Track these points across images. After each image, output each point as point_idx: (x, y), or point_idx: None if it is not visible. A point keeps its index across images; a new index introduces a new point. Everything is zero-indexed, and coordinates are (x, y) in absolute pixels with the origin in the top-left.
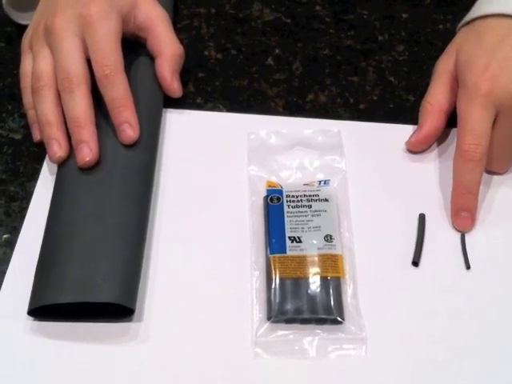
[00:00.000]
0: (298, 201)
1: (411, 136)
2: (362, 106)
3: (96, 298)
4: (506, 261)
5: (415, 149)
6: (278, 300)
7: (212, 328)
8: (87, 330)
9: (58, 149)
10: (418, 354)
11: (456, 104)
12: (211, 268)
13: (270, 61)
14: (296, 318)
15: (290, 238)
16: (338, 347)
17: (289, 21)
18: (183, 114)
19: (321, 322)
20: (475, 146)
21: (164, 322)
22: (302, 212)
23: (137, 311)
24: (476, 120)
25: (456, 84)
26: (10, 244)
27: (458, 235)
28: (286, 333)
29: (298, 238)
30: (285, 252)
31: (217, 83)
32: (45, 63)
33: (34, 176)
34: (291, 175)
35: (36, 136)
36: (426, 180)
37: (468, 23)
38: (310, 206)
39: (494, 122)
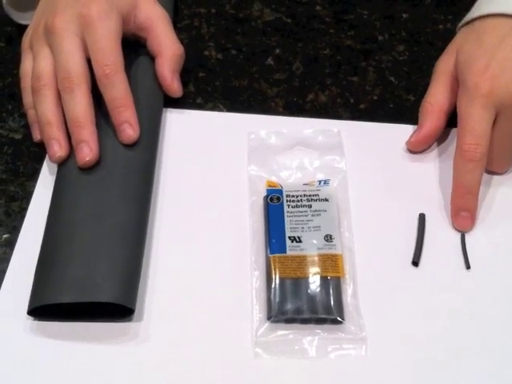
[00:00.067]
0: (298, 201)
1: (411, 136)
2: (362, 106)
3: (96, 298)
4: (506, 261)
5: (415, 149)
6: (277, 300)
7: (212, 328)
8: (87, 329)
9: (58, 149)
10: (418, 353)
11: (456, 104)
12: (211, 268)
13: (270, 61)
14: (296, 318)
15: (289, 237)
16: (338, 347)
17: (289, 21)
18: (183, 114)
19: (321, 321)
20: (475, 146)
21: (164, 322)
22: (301, 212)
23: (137, 311)
24: (476, 120)
25: (456, 84)
26: (10, 244)
27: (458, 235)
28: (285, 333)
29: (298, 237)
30: (285, 252)
31: (217, 83)
32: (45, 63)
33: (34, 176)
34: (291, 175)
35: (36, 136)
36: (426, 180)
37: (468, 23)
38: (310, 206)
39: (495, 122)
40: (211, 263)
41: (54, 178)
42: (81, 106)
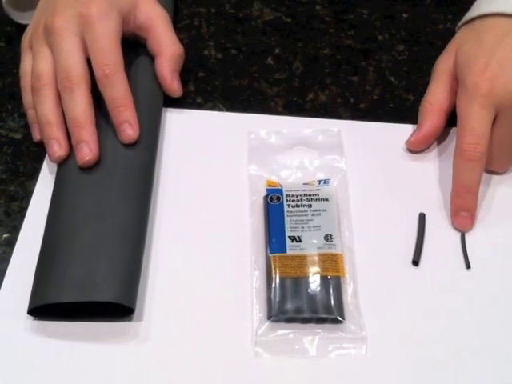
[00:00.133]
0: (298, 200)
1: (411, 135)
2: (362, 106)
3: (96, 298)
4: (506, 260)
5: (415, 148)
6: (278, 299)
7: (212, 327)
8: (87, 329)
9: (57, 148)
10: (418, 353)
11: (456, 103)
12: (211, 267)
13: (270, 60)
14: (296, 318)
15: (289, 237)
16: (339, 346)
17: (289, 20)
18: (183, 114)
19: (321, 321)
20: (475, 146)
21: (164, 322)
22: (301, 211)
23: (137, 310)
24: (476, 120)
25: (456, 83)
26: (10, 243)
27: (458, 235)
28: (286, 332)
29: (298, 237)
30: (285, 251)
31: (217, 83)
32: (45, 63)
33: (33, 175)
34: (291, 175)
35: (36, 136)
36: (426, 179)
37: (467, 23)
38: (310, 206)
39: (494, 122)
40: (211, 263)
41: (53, 177)
42: (80, 105)
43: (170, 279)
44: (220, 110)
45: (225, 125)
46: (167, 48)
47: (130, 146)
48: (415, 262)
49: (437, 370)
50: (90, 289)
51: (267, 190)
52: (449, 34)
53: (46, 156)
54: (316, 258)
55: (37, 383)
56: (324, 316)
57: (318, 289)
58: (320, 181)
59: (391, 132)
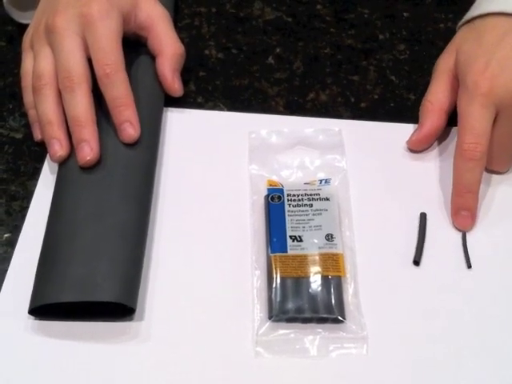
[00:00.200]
0: (299, 200)
1: (412, 135)
2: (362, 105)
3: (97, 297)
4: (507, 260)
5: (416, 148)
6: (278, 299)
7: (213, 327)
8: (88, 329)
9: (58, 148)
10: (418, 352)
11: (456, 103)
12: (212, 267)
13: (270, 60)
14: (297, 317)
15: (290, 237)
16: (339, 346)
17: (290, 20)
18: (184, 113)
19: (322, 321)
20: (475, 145)
21: (165, 322)
22: (302, 211)
23: (138, 310)
24: (476, 119)
25: (456, 83)
26: (11, 243)
27: (460, 234)
28: (287, 332)
29: (299, 237)
30: (286, 251)
31: (217, 82)
32: (46, 62)
33: (34, 175)
34: (292, 174)
35: (37, 135)
36: (427, 179)
37: (468, 22)
38: (311, 205)
39: (495, 121)
40: (212, 262)
41: (54, 177)
42: (81, 105)
43: (170, 279)
44: (221, 109)
45: (225, 124)
46: (168, 47)
47: (130, 145)
48: (416, 262)
49: (437, 370)
50: (91, 289)
51: (268, 189)
52: (450, 34)
53: (47, 156)
54: (317, 257)
55: (37, 383)
56: (325, 316)
57: (319, 288)
58: (321, 180)
59: (392, 131)
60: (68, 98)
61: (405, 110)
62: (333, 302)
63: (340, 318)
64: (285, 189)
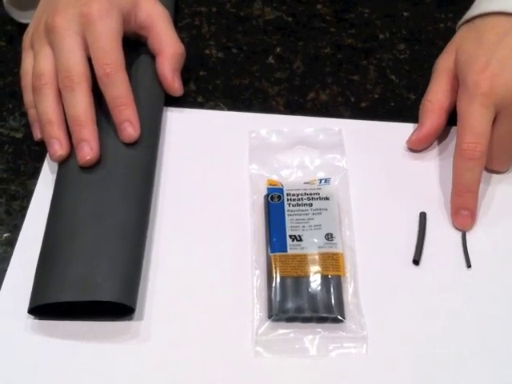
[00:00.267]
0: (299, 199)
1: (412, 134)
2: (362, 105)
3: (97, 297)
4: (507, 259)
5: (416, 147)
6: (278, 299)
7: (213, 327)
8: (88, 328)
9: (58, 148)
10: (418, 352)
11: (456, 102)
12: (212, 267)
13: (271, 59)
14: (297, 317)
15: (290, 236)
16: (339, 346)
17: (290, 19)
18: (184, 113)
19: (321, 320)
20: (475, 145)
21: (165, 321)
22: (302, 210)
23: (137, 310)
24: (476, 118)
25: (456, 82)
26: (11, 242)
27: (459, 234)
28: (286, 331)
29: (299, 236)
30: (285, 251)
31: (218, 82)
32: (46, 62)
33: (34, 175)
34: (292, 174)
35: (37, 135)
36: (427, 178)
37: (468, 21)
38: (311, 205)
39: (495, 121)
40: (212, 262)
41: (54, 176)
42: (81, 104)
43: (170, 278)
44: (221, 109)
45: (226, 124)
46: (168, 47)
47: (130, 145)
48: (416, 262)
49: (437, 370)
50: (91, 288)
51: (268, 189)
52: (450, 33)
53: (47, 155)
54: (317, 257)
55: (37, 383)
56: (325, 315)
57: (319, 288)
58: (321, 180)
59: (392, 131)
60: (68, 97)
61: (405, 110)
62: (332, 301)
63: (340, 317)
64: (285, 188)
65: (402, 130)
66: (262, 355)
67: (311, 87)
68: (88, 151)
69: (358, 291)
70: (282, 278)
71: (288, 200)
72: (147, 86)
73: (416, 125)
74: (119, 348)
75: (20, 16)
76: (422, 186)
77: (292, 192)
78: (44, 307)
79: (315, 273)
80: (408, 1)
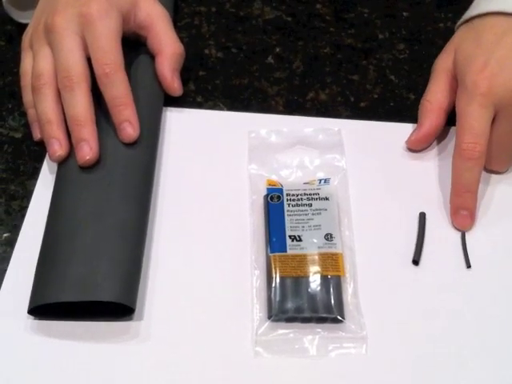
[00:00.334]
0: (299, 199)
1: (411, 134)
2: (362, 105)
3: (96, 297)
4: (507, 259)
5: (415, 147)
6: (278, 299)
7: (212, 327)
8: (87, 328)
9: (58, 147)
10: (418, 352)
11: (455, 102)
12: (211, 267)
13: (270, 59)
14: (296, 317)
15: (290, 236)
16: (339, 346)
17: (289, 19)
18: (183, 113)
19: (321, 320)
20: (474, 145)
21: (164, 321)
22: (302, 211)
23: (137, 310)
24: (475, 118)
25: (455, 82)
26: (11, 242)
27: (459, 234)
28: (286, 331)
29: (299, 236)
30: (285, 251)
31: (217, 82)
32: (45, 62)
33: (34, 175)
34: (291, 174)
35: (36, 135)
36: (427, 178)
37: (467, 21)
38: (311, 205)
39: (494, 121)
40: (211, 262)
41: (54, 177)
42: (81, 104)
43: (170, 278)
44: (220, 109)
45: (225, 124)
46: (167, 47)
47: (130, 145)
48: (415, 262)
49: (437, 370)
50: (91, 288)
51: (267, 189)
52: (449, 33)
53: (47, 155)
54: (316, 257)
55: (37, 383)
56: (324, 315)
57: (319, 288)
58: (320, 180)
59: (391, 131)
60: (67, 97)
61: (404, 110)
62: (332, 301)
63: (339, 317)
64: (284, 188)
65: (402, 130)
66: (262, 355)
67: (311, 87)
68: (87, 151)
69: (357, 291)
70: (282, 278)
71: (287, 200)
72: (147, 86)
73: (415, 125)
74: (119, 348)
75: (19, 16)
76: (422, 186)
77: (291, 192)
78: (44, 307)
79: (315, 273)
80: (408, 0)
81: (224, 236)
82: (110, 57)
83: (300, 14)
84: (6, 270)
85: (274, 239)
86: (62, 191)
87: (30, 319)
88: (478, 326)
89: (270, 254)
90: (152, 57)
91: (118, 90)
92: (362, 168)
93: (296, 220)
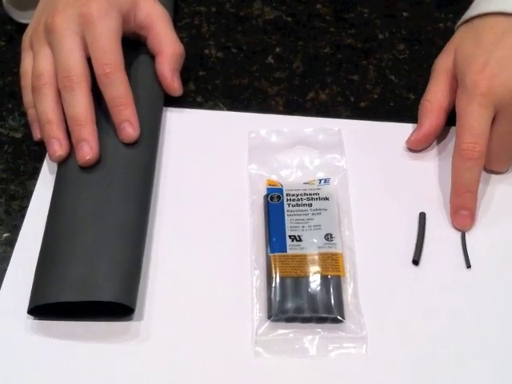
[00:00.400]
0: (299, 199)
1: (411, 134)
2: (362, 105)
3: (96, 297)
4: (507, 259)
5: (415, 147)
6: (278, 299)
7: (212, 327)
8: (87, 328)
9: (58, 147)
10: (418, 352)
11: (455, 102)
12: (211, 267)
13: (270, 59)
14: (296, 317)
15: (290, 236)
16: (339, 346)
17: (289, 19)
18: (183, 113)
19: (321, 320)
20: (474, 145)
21: (164, 321)
22: (302, 211)
23: (137, 310)
24: (475, 118)
25: (455, 82)
26: (11, 242)
27: (459, 234)
28: (286, 331)
29: (299, 236)
30: (285, 251)
31: (217, 82)
32: (45, 62)
33: (34, 175)
34: (291, 174)
35: (36, 135)
36: (427, 178)
37: (467, 22)
38: (311, 205)
39: (493, 121)
40: (211, 262)
41: (54, 177)
42: (81, 104)
43: (170, 278)
44: (220, 109)
45: (225, 124)
46: (168, 47)
47: (130, 145)
48: (415, 262)
49: (437, 370)
50: (91, 288)
51: (267, 189)
52: (449, 33)
53: (47, 155)
54: (316, 257)
55: (37, 383)
56: (324, 315)
57: (319, 288)
58: (320, 180)
59: (391, 131)
60: (67, 97)
61: (404, 110)
62: (332, 301)
63: (339, 317)
64: (284, 188)
65: (402, 130)
66: (262, 355)
67: (311, 87)
68: (88, 151)
69: (357, 291)
70: (282, 278)
71: (287, 200)
72: (147, 86)
73: (415, 125)
74: (119, 348)
75: (19, 16)
76: (422, 186)
77: (292, 192)
78: (44, 307)
79: (315, 273)
80: (408, 1)
81: (224, 236)
82: (110, 57)
83: (300, 14)
84: (5, 270)
85: (274, 239)
86: (62, 191)
87: (30, 319)
88: (478, 326)
89: (270, 254)
90: (152, 57)
91: (118, 89)
92: (362, 168)
93: (296, 220)
